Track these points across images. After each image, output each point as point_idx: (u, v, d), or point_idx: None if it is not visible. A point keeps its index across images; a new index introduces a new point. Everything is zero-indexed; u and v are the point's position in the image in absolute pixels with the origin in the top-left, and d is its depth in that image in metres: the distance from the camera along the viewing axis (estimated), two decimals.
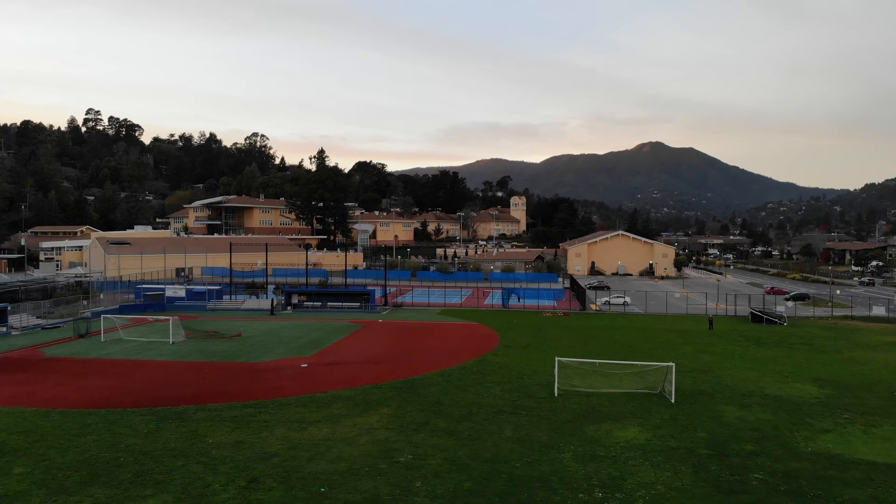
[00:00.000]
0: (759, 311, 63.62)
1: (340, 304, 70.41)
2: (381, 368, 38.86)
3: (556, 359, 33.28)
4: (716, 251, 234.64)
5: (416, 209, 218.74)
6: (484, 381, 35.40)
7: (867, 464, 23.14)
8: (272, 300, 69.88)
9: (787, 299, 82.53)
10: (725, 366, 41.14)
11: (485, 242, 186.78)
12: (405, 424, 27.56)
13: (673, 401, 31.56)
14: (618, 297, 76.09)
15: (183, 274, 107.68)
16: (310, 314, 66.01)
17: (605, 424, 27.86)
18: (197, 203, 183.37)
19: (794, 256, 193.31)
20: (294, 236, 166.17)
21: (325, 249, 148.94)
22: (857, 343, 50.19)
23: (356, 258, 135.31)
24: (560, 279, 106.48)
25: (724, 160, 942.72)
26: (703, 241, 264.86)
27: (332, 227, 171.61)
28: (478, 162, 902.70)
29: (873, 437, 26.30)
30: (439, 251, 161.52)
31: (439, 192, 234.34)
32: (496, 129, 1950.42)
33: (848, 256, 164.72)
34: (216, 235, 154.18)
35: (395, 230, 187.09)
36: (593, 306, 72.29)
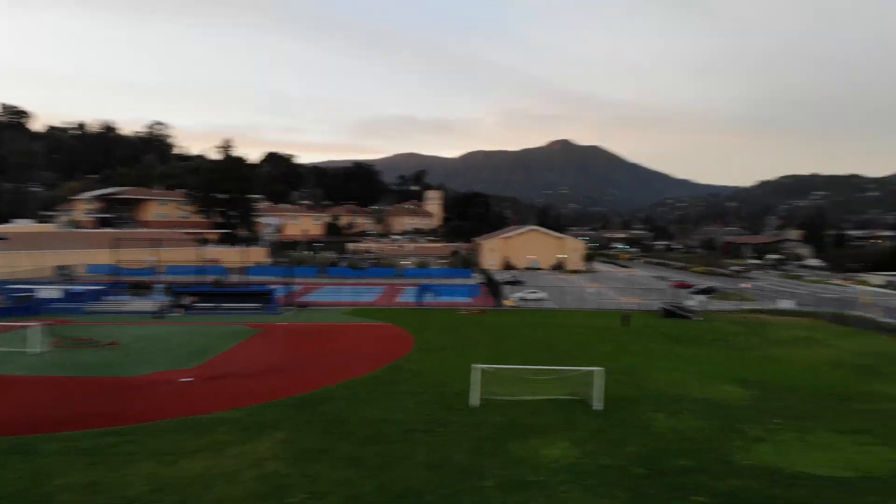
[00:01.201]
0: (671, 306, 63.39)
1: (237, 305, 64.73)
2: (278, 381, 34.45)
3: (474, 367, 30.09)
4: (621, 245, 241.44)
5: (328, 202, 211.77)
6: (395, 393, 31.77)
7: (811, 479, 21.25)
8: (159, 301, 63.29)
9: (695, 293, 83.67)
10: (647, 367, 39.50)
11: (399, 237, 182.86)
12: (301, 452, 23.52)
13: (599, 408, 29.17)
14: (533, 292, 74.49)
15: (64, 272, 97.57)
16: (202, 317, 60.14)
17: (530, 440, 24.93)
18: (87, 194, 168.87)
19: (695, 250, 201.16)
20: (193, 230, 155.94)
21: (225, 244, 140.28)
22: (770, 339, 50.22)
23: (260, 254, 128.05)
24: (474, 274, 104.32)
25: (627, 158, 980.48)
26: (608, 235, 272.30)
27: (236, 221, 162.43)
28: (394, 155, 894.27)
29: (809, 445, 24.68)
30: (352, 246, 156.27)
31: (353, 185, 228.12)
32: (412, 122, 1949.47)
33: (747, 250, 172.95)
34: (107, 229, 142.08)
35: (305, 224, 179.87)
36: (509, 302, 70.18)
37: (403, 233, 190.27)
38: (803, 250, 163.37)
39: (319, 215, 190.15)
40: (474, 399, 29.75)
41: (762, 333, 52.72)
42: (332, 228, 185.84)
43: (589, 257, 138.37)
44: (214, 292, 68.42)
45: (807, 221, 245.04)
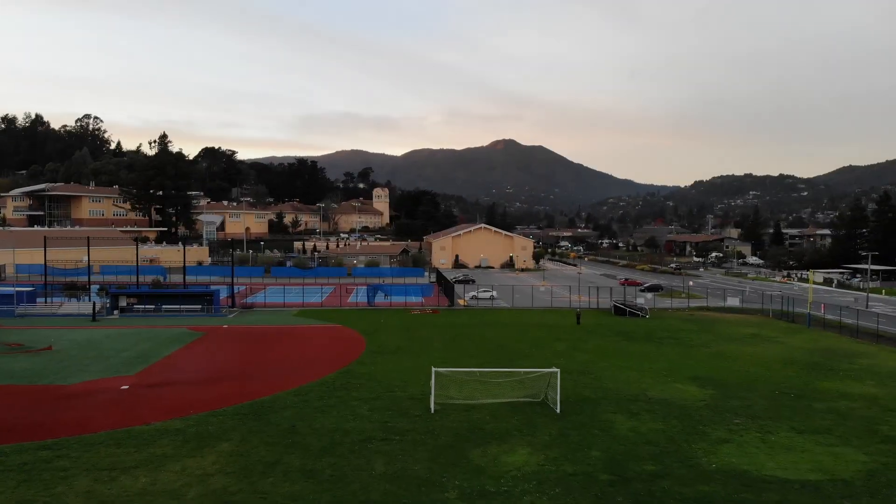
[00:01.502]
0: (623, 304, 63.77)
1: (178, 306, 61.76)
2: (223, 388, 32.48)
3: (433, 370, 28.96)
4: (567, 243, 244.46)
5: (271, 199, 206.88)
6: (349, 400, 30.31)
7: (779, 482, 20.98)
8: (94, 303, 59.78)
9: (643, 290, 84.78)
10: (602, 365, 39.17)
11: (347, 235, 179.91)
12: (250, 466, 21.92)
13: (558, 411, 28.50)
14: (485, 291, 73.90)
15: None
16: (140, 319, 57.09)
17: (490, 447, 23.98)
18: (16, 191, 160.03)
19: (638, 248, 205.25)
20: (129, 228, 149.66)
21: (164, 243, 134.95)
22: (720, 336, 50.83)
23: (201, 253, 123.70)
24: (426, 273, 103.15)
25: (569, 158, 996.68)
26: (553, 233, 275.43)
27: (174, 219, 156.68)
28: (337, 152, 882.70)
29: (773, 446, 24.53)
30: (297, 245, 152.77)
31: (297, 181, 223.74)
32: (356, 119, 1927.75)
33: (689, 248, 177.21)
34: (37, 228, 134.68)
35: (247, 222, 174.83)
36: (461, 301, 69.35)
37: (351, 231, 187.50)
38: (743, 248, 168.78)
39: (263, 213, 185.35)
40: (432, 404, 28.63)
41: (712, 330, 53.38)
42: (276, 226, 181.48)
43: (538, 256, 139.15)
44: (153, 293, 65.21)
45: (741, 220, 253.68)
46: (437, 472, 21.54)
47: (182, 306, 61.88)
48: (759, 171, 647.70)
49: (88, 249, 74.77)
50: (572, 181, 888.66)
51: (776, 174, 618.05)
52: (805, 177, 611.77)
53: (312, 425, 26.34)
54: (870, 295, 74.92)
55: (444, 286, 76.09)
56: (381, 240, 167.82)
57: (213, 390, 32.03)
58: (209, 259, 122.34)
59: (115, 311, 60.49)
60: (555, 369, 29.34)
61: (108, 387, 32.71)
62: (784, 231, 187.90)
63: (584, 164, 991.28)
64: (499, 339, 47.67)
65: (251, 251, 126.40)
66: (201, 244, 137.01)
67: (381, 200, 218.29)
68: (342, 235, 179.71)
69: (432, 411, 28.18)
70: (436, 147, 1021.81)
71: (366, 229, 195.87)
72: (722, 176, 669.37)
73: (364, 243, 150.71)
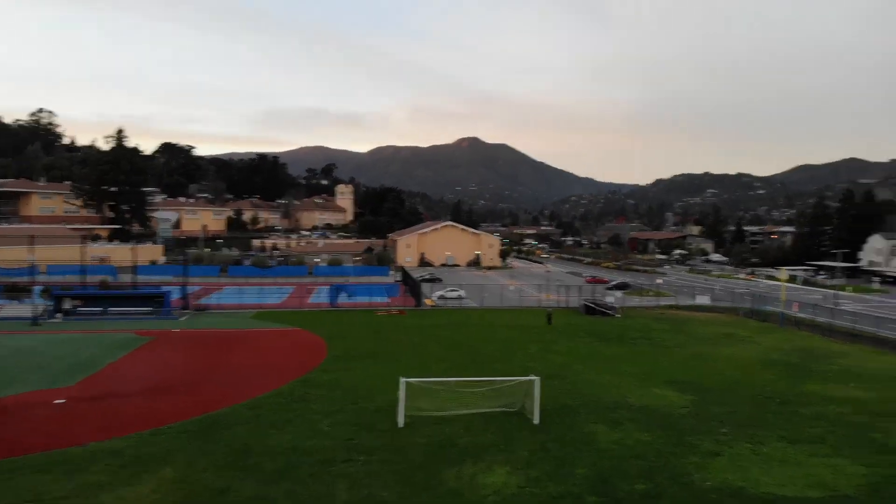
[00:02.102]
0: (593, 303, 62.34)
1: (127, 309, 58.05)
2: (169, 401, 29.55)
3: (402, 380, 26.60)
4: (532, 241, 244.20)
5: (231, 196, 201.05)
6: (308, 413, 27.73)
7: (778, 501, 19.28)
8: (35, 306, 55.68)
9: (610, 288, 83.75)
10: (577, 368, 37.36)
11: (309, 233, 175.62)
12: (194, 495, 19.31)
13: (536, 422, 26.47)
14: (452, 290, 71.76)
15: None
16: (85, 323, 53.26)
17: (466, 466, 21.78)
18: None
19: (602, 246, 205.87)
20: (81, 226, 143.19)
21: (116, 241, 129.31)
22: (693, 336, 49.62)
23: (155, 251, 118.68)
24: (391, 272, 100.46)
25: (533, 156, 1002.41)
26: (518, 231, 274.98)
27: (128, 216, 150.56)
28: (300, 149, 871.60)
29: (766, 459, 22.89)
30: (257, 243, 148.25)
31: (257, 177, 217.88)
32: (320, 115, 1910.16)
33: (652, 245, 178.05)
34: None
35: (205, 219, 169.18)
36: (429, 301, 67.04)
37: (313, 228, 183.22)
38: (706, 245, 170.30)
39: (221, 209, 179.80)
40: (400, 417, 26.28)
41: (685, 330, 52.20)
42: (234, 223, 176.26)
43: (505, 254, 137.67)
44: (100, 295, 61.24)
45: (701, 218, 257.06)
46: (408, 497, 19.29)
47: (131, 309, 58.20)
48: (716, 170, 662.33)
49: (32, 248, 70.19)
50: (535, 179, 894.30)
51: (734, 173, 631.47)
52: (762, 175, 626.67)
53: (267, 444, 23.75)
54: (837, 292, 74.88)
55: (410, 285, 73.70)
56: (344, 238, 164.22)
57: (158, 403, 29.10)
58: (163, 258, 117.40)
59: (59, 315, 56.51)
60: (534, 377, 27.26)
61: (43, 400, 29.50)
62: (745, 228, 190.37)
63: (547, 163, 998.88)
64: (469, 341, 45.52)
65: (207, 249, 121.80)
66: (156, 242, 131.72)
67: (344, 197, 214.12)
68: (304, 233, 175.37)
69: (401, 425, 25.86)
70: (401, 144, 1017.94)
71: (329, 227, 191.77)
72: (681, 174, 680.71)
73: (326, 241, 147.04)
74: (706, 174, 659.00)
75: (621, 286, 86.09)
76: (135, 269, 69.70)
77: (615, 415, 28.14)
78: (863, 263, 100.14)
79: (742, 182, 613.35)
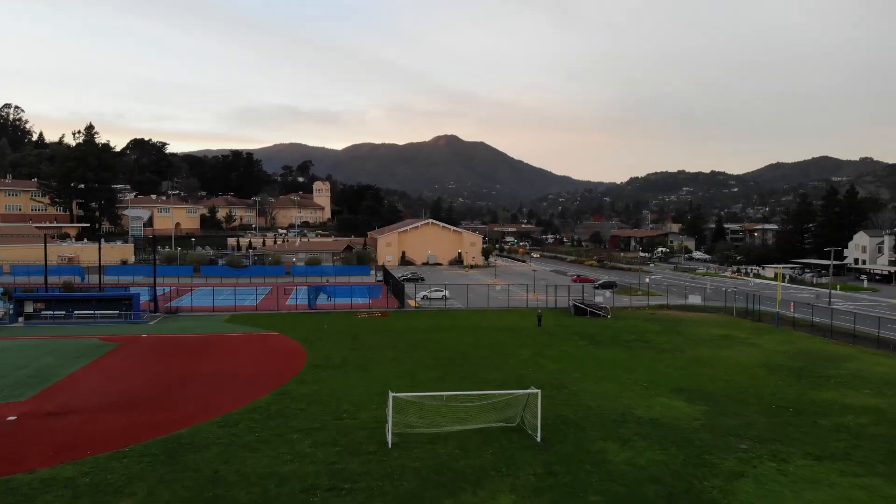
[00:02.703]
0: (583, 304, 60.26)
1: (92, 312, 54.67)
2: (132, 419, 26.64)
3: (390, 395, 24.01)
4: (512, 239, 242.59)
5: (204, 193, 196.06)
6: (287, 431, 25.02)
7: None
8: None
9: (597, 287, 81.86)
10: (574, 376, 35.07)
11: (285, 231, 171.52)
12: None
13: (539, 439, 24.10)
14: (437, 290, 69.20)
15: None
16: (48, 328, 49.88)
17: (466, 495, 19.32)
18: None
19: (583, 243, 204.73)
20: (48, 224, 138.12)
21: (84, 240, 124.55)
22: (690, 338, 47.68)
23: (125, 251, 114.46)
24: (372, 271, 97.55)
25: (510, 154, 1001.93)
26: (497, 229, 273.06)
27: (98, 214, 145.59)
28: (275, 146, 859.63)
29: (795, 480, 20.74)
30: (231, 241, 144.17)
31: (231, 174, 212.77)
32: (295, 112, 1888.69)
33: (633, 243, 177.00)
34: None
35: (177, 217, 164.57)
36: (412, 302, 64.43)
37: (290, 226, 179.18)
38: (688, 243, 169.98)
39: (194, 207, 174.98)
40: (389, 437, 23.71)
41: (680, 331, 50.28)
42: (208, 221, 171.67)
43: (487, 252, 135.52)
44: (64, 297, 57.69)
45: (678, 215, 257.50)
46: None
47: (97, 312, 54.86)
48: (691, 168, 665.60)
49: None
50: (513, 177, 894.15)
51: (708, 171, 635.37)
52: (735, 173, 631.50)
53: (241, 470, 21.03)
54: (830, 291, 73.43)
55: (393, 285, 71.00)
56: (322, 236, 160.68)
57: (119, 421, 26.18)
58: (133, 258, 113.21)
59: (20, 319, 53.01)
60: (535, 390, 24.88)
61: None
62: (725, 226, 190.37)
63: (525, 161, 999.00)
64: (457, 345, 43.02)
65: (179, 248, 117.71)
66: (126, 241, 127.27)
67: (321, 195, 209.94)
68: (280, 231, 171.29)
69: (390, 445, 23.29)
70: (378, 141, 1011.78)
71: (306, 224, 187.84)
72: (656, 172, 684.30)
73: (304, 239, 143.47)
74: (681, 172, 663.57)
75: (609, 285, 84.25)
76: (101, 270, 65.91)
77: (623, 430, 25.86)
78: (848, 261, 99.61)
79: (716, 180, 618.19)
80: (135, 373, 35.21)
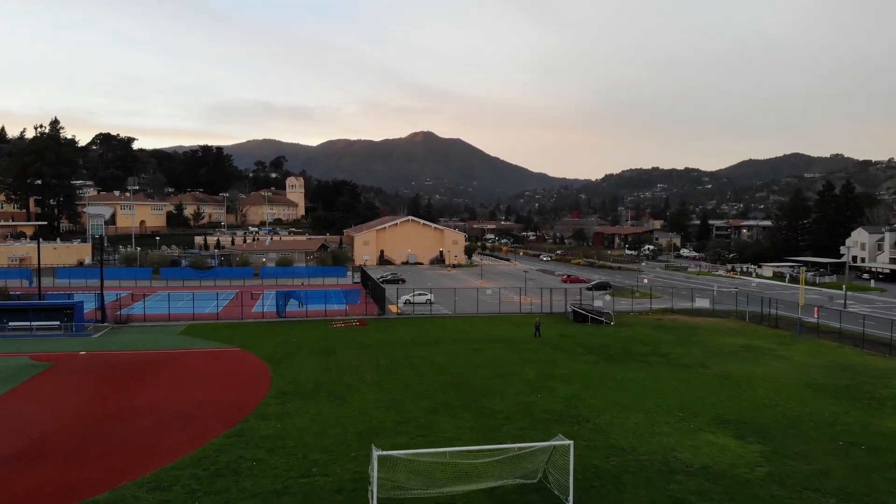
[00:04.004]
0: (582, 309, 54.74)
1: (29, 323, 47.69)
2: (35, 478, 20.21)
3: (375, 453, 17.89)
4: (493, 236, 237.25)
5: (172, 190, 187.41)
6: (237, 499, 18.79)
7: None
8: None
9: (590, 289, 76.49)
10: (593, 403, 29.36)
11: (256, 229, 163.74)
12: None
13: (570, 502, 18.29)
14: (421, 294, 63.14)
15: None
16: None
17: None
18: None
19: (566, 241, 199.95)
20: (2, 223, 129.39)
21: (43, 239, 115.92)
22: (710, 349, 42.28)
23: (83, 251, 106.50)
24: (349, 272, 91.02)
25: (487, 151, 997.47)
26: (477, 226, 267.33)
27: (56, 211, 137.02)
28: (249, 142, 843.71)
29: None
30: (199, 240, 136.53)
31: (201, 170, 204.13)
32: (269, 108, 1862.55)
33: (618, 240, 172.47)
34: None
35: (142, 214, 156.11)
36: (393, 308, 58.28)
37: (262, 224, 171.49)
38: (675, 240, 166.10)
39: (160, 204, 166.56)
40: None
41: (695, 341, 44.92)
42: (175, 219, 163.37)
43: (469, 250, 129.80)
44: None
45: (655, 211, 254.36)
46: None
47: (34, 323, 47.85)
48: (665, 165, 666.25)
49: None
50: (490, 174, 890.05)
51: (682, 168, 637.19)
52: (709, 170, 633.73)
53: None
54: (844, 293, 68.39)
55: (372, 289, 64.74)
56: (295, 234, 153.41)
57: (16, 483, 19.74)
58: (90, 258, 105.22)
59: None
60: (565, 441, 19.02)
61: None
62: (710, 222, 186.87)
63: (501, 158, 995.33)
64: (450, 364, 36.99)
65: (140, 248, 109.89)
66: (85, 240, 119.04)
67: (295, 191, 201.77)
68: (251, 229, 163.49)
69: None
70: (353, 138, 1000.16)
71: (278, 222, 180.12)
72: (631, 169, 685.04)
73: (276, 238, 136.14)
74: (655, 169, 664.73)
75: (603, 286, 78.92)
76: (39, 273, 58.74)
77: (673, 485, 20.14)
78: (846, 259, 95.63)
79: (690, 177, 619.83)
80: (58, 406, 28.65)
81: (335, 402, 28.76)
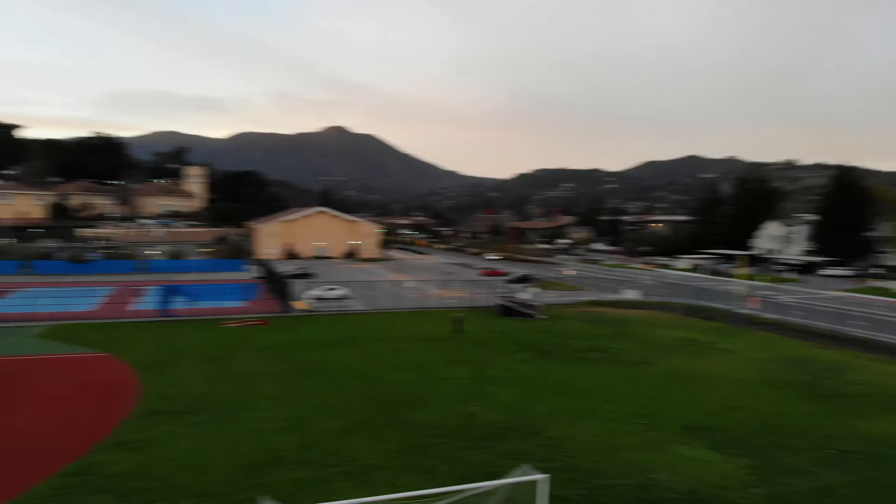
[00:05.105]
0: (509, 302, 50.45)
1: None
2: None
3: None
4: (408, 231, 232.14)
5: (61, 179, 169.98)
6: None
7: None
8: None
9: (512, 282, 72.65)
10: (540, 411, 24.74)
11: (151, 221, 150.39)
12: None
13: None
14: (332, 288, 56.84)
15: None
16: None
17: None
18: None
19: (481, 235, 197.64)
20: None
21: None
22: (650, 343, 38.78)
23: None
24: (250, 266, 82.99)
25: (400, 148, 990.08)
26: (391, 221, 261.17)
27: None
28: (152, 133, 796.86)
29: None
30: (84, 232, 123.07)
31: (94, 160, 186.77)
32: (173, 98, 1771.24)
33: (533, 235, 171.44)
34: None
35: (20, 205, 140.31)
36: (300, 304, 51.72)
37: (157, 216, 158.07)
38: (588, 234, 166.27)
39: (42, 194, 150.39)
40: None
41: (633, 335, 41.41)
42: (59, 210, 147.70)
43: (385, 244, 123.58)
44: None
45: (563, 209, 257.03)
46: None
47: None
48: (572, 165, 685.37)
49: None
50: (403, 171, 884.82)
51: (588, 168, 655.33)
52: (613, 170, 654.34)
53: None
54: (761, 284, 67.81)
55: (275, 284, 57.84)
56: (193, 226, 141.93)
57: None
58: None
59: None
60: (537, 475, 13.99)
61: None
62: (620, 218, 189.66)
63: (415, 155, 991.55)
64: (367, 368, 31.30)
65: (11, 240, 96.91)
66: None
67: (194, 181, 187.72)
68: (145, 221, 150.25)
69: None
70: (263, 131, 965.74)
71: (176, 214, 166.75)
72: (540, 169, 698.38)
73: (169, 229, 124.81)
74: (563, 169, 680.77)
75: (525, 279, 75.31)
76: None
77: None
78: (759, 251, 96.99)
79: (595, 177, 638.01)
80: None
81: (221, 423, 22.54)
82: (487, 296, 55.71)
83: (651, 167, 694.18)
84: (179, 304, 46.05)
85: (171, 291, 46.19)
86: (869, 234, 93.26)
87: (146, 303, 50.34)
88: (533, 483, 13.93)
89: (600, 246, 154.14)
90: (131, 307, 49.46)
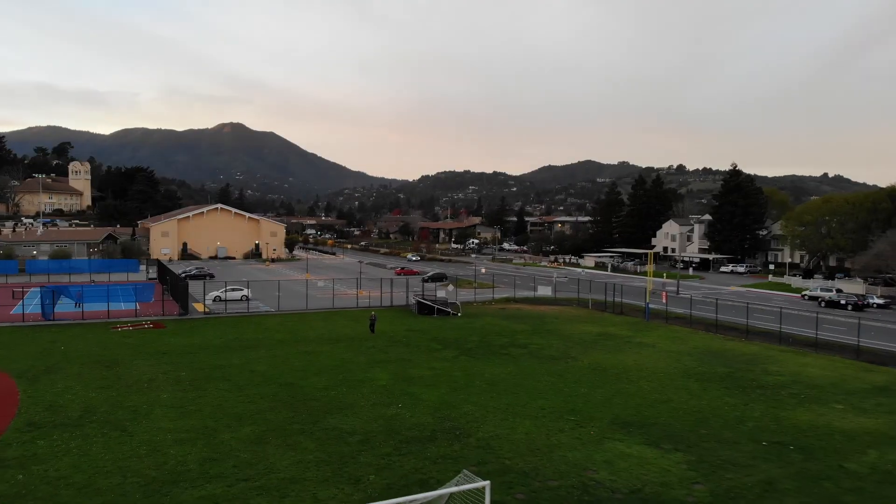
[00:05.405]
0: (427, 300, 49.32)
1: None
2: None
3: None
4: (313, 231, 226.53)
5: None
6: None
7: None
8: None
9: (426, 280, 71.65)
10: (467, 410, 23.70)
11: (32, 220, 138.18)
12: None
13: None
14: (234, 289, 53.50)
15: None
16: None
17: None
18: None
19: (391, 235, 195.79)
20: None
21: None
22: (569, 338, 38.71)
23: None
24: (143, 267, 77.26)
25: (303, 147, 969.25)
26: (295, 221, 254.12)
27: None
28: (31, 129, 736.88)
29: None
30: None
31: None
32: (54, 92, 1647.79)
33: (443, 235, 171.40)
34: None
35: None
36: (199, 307, 48.18)
37: (40, 215, 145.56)
38: (497, 234, 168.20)
39: None
40: None
41: (550, 330, 41.29)
42: None
43: (292, 243, 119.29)
44: None
45: (469, 211, 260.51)
46: None
47: None
48: (476, 168, 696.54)
49: None
50: (307, 171, 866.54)
51: (490, 171, 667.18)
52: (514, 174, 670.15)
53: None
54: (665, 280, 70.04)
55: (171, 284, 53.76)
56: (79, 225, 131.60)
57: None
58: None
59: None
60: (482, 482, 12.71)
61: None
62: (526, 219, 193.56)
63: (319, 154, 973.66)
64: (278, 372, 29.06)
65: None
66: None
67: (80, 178, 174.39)
68: (26, 220, 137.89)
69: None
70: (152, 126, 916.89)
71: (60, 212, 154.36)
72: (445, 171, 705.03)
73: (53, 228, 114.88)
74: (466, 172, 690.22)
75: (439, 277, 74.51)
76: None
77: None
78: (657, 249, 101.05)
79: (498, 180, 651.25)
80: None
81: (113, 436, 19.82)
82: (403, 295, 54.30)
83: (549, 171, 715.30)
84: (65, 307, 41.57)
85: (54, 293, 41.61)
86: (760, 232, 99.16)
87: (26, 306, 45.18)
88: (473, 491, 12.66)
89: (508, 245, 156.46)
90: (11, 311, 44.25)
